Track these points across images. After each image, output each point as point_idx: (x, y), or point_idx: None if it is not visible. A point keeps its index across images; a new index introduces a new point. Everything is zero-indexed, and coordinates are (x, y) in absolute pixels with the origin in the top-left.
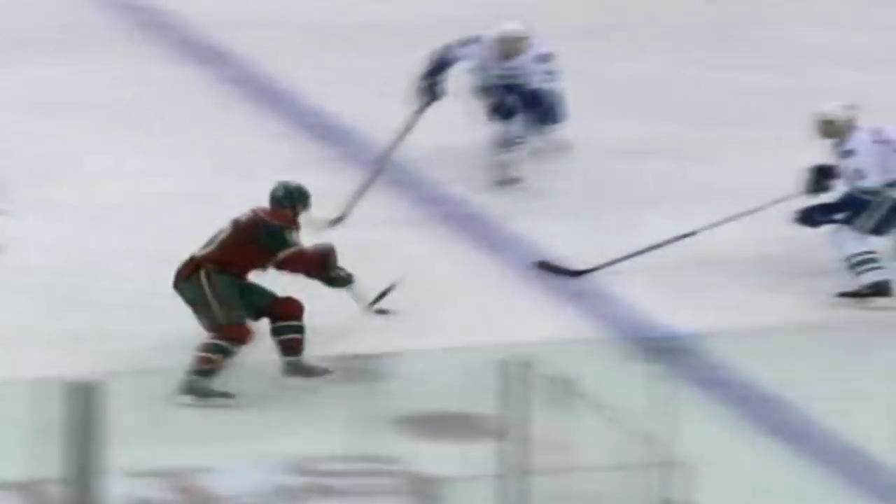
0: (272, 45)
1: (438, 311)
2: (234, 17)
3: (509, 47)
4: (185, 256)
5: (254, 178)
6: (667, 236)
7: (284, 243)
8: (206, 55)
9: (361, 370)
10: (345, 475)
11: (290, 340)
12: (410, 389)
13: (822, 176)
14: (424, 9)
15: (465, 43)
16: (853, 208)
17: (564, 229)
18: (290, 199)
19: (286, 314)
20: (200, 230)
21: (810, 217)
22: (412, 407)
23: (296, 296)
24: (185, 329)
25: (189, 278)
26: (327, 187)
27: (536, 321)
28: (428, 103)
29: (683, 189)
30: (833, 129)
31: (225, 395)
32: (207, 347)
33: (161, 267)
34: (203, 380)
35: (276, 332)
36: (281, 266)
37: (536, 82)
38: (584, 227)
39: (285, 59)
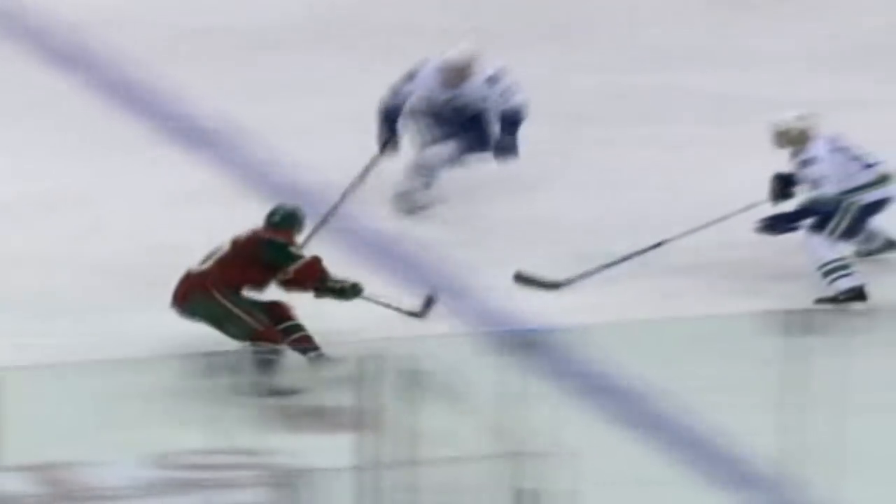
0: (143, 48)
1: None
2: (103, 19)
3: (454, 74)
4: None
5: (121, 178)
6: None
7: (291, 256)
8: (75, 58)
9: (222, 366)
10: (207, 468)
11: (301, 338)
12: (270, 384)
13: (784, 184)
14: (284, 10)
15: (409, 77)
16: (816, 216)
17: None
18: (288, 222)
19: (283, 316)
20: (69, 233)
21: (773, 225)
22: (273, 401)
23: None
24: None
25: (201, 299)
26: (200, 186)
27: (391, 316)
28: (384, 154)
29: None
30: (789, 139)
31: (293, 390)
32: (262, 352)
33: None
34: (271, 380)
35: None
36: (291, 282)
37: (491, 106)
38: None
39: (155, 62)
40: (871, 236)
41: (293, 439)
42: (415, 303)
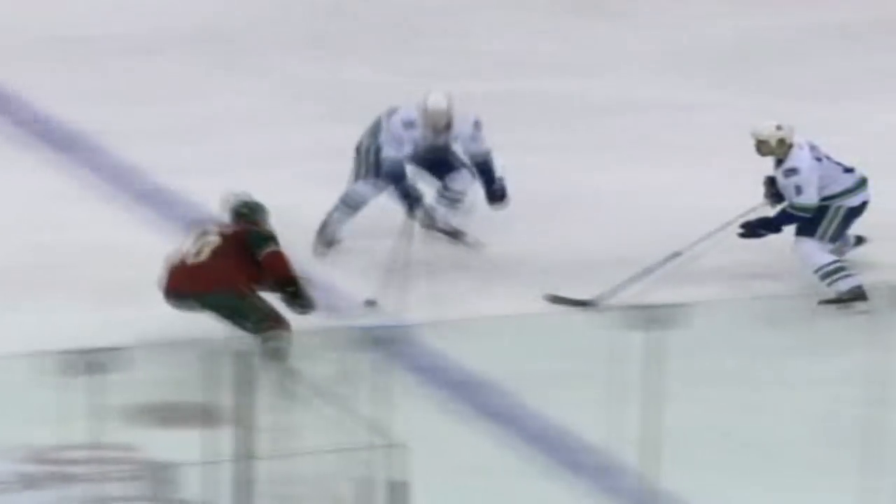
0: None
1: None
2: None
3: (441, 120)
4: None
5: None
6: None
7: (266, 241)
8: None
9: (91, 363)
10: (83, 463)
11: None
12: (144, 380)
13: (776, 186)
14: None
15: (376, 130)
16: (798, 221)
17: None
18: (255, 213)
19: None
20: None
21: (755, 230)
22: (146, 397)
23: None
24: None
25: (212, 292)
26: (63, 188)
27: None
28: (418, 218)
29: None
30: (768, 148)
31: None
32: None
33: None
34: (285, 363)
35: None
36: (262, 272)
37: (472, 150)
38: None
39: (15, 65)
40: (844, 239)
41: (165, 434)
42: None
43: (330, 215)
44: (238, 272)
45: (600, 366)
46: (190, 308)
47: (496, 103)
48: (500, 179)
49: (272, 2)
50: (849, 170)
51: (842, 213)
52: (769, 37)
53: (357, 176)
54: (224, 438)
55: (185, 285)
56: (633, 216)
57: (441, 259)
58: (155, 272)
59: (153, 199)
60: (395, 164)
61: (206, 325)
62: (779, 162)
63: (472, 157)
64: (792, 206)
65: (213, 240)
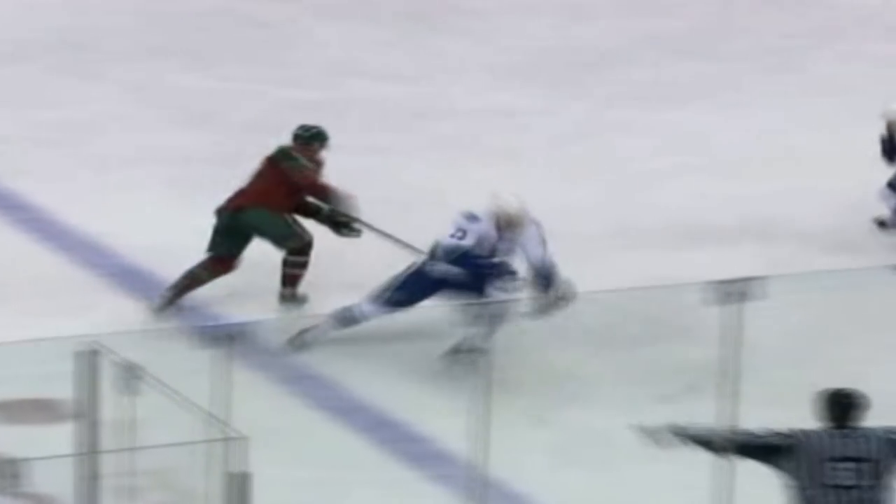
0: None
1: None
2: None
3: (512, 223)
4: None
5: None
6: None
7: (292, 158)
8: None
9: None
10: None
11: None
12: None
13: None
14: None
15: (468, 219)
16: None
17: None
18: (317, 138)
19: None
20: None
21: None
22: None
23: None
24: None
25: (247, 210)
26: None
27: (106, 311)
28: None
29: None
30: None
31: (304, 298)
32: (297, 265)
33: None
34: (295, 289)
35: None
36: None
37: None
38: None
39: None
40: None
41: (11, 429)
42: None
43: (320, 327)
44: (273, 191)
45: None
46: (236, 234)
47: (327, 109)
48: (565, 282)
49: (118, 12)
50: None
51: None
52: (593, 45)
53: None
54: (69, 433)
55: (229, 205)
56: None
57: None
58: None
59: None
60: (453, 248)
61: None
62: None
63: (536, 265)
64: None
65: (259, 166)
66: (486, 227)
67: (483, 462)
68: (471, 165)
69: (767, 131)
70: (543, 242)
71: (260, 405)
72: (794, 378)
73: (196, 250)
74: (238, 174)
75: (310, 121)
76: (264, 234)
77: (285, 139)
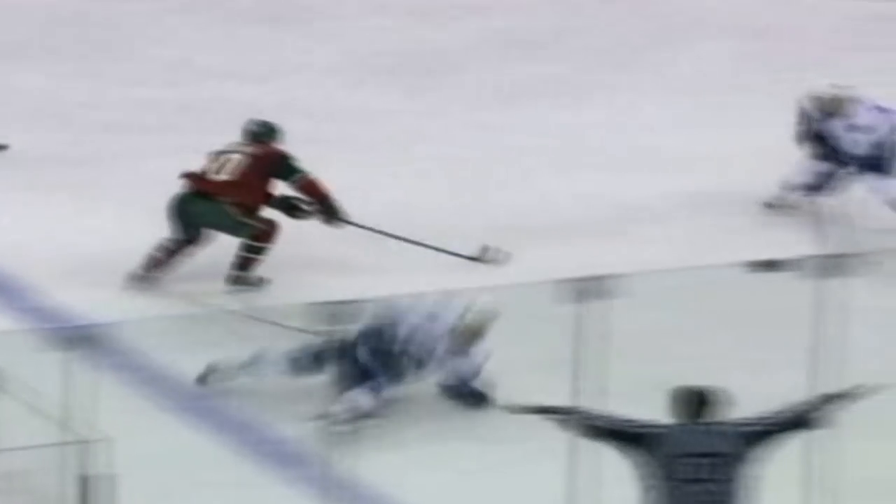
0: None
1: None
2: None
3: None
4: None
5: None
6: None
7: (298, 171)
8: None
9: None
10: None
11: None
12: None
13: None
14: None
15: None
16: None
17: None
18: (271, 134)
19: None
20: None
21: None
22: None
23: None
24: None
25: (213, 204)
26: None
27: None
28: None
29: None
30: (825, 105)
31: (262, 279)
32: (254, 250)
33: None
34: (251, 275)
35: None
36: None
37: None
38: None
39: None
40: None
41: None
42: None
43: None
44: (258, 191)
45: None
46: (192, 216)
47: (176, 109)
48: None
49: None
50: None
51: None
52: (444, 45)
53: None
54: None
55: (208, 189)
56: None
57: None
58: None
59: None
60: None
61: None
62: (831, 114)
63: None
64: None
65: (238, 158)
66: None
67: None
68: (320, 165)
69: (620, 130)
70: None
71: (117, 407)
72: (651, 374)
73: (51, 251)
74: (92, 175)
75: (158, 119)
76: (217, 228)
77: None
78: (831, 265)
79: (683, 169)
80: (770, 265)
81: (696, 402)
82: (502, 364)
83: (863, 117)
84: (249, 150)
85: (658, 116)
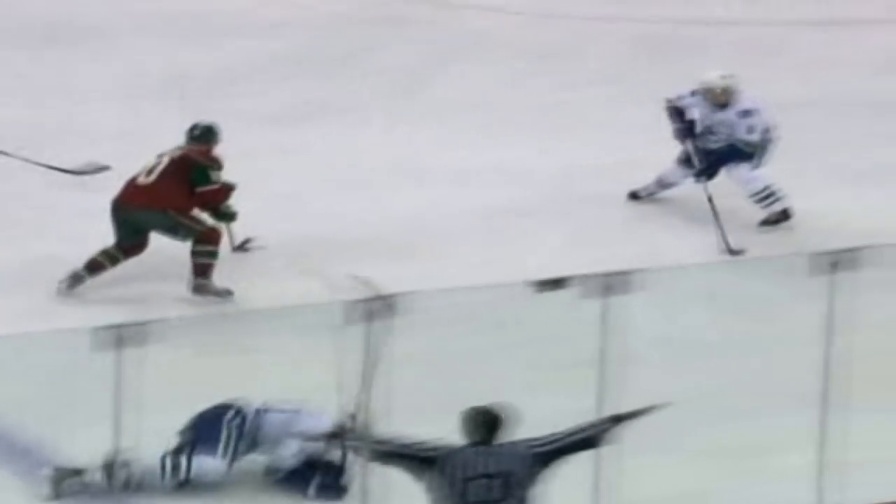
0: None
1: None
2: None
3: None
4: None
5: None
6: None
7: (208, 179)
8: None
9: None
10: None
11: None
12: None
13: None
14: None
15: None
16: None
17: None
18: (207, 137)
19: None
20: None
21: (713, 168)
22: None
23: None
24: None
25: (148, 210)
26: None
27: None
28: None
29: None
30: (714, 95)
31: (227, 291)
32: (203, 254)
33: None
34: (208, 281)
35: (194, 254)
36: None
37: None
38: None
39: None
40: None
41: None
42: None
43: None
44: (177, 194)
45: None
46: (131, 222)
47: None
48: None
49: None
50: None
51: (768, 146)
52: (223, 65)
53: None
54: None
55: (131, 200)
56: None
57: None
58: None
59: None
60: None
61: None
62: (721, 106)
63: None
64: (743, 143)
65: (164, 160)
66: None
67: None
68: (99, 189)
69: (395, 149)
70: None
71: None
72: (440, 394)
73: None
74: None
75: None
76: (159, 231)
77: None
78: (614, 283)
79: (469, 186)
80: (556, 283)
81: (486, 422)
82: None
83: (750, 102)
84: (178, 153)
85: (442, 136)
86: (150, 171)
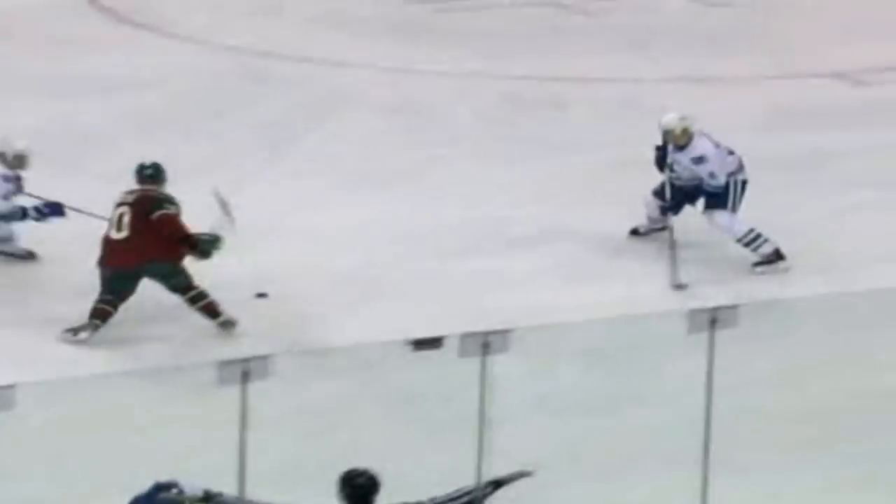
0: None
1: None
2: None
3: None
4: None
5: None
6: None
7: (160, 204)
8: None
9: None
10: None
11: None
12: None
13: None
14: None
15: None
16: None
17: None
18: (159, 175)
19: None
20: None
21: (678, 206)
22: None
23: None
24: None
25: (150, 262)
26: None
27: None
28: None
29: None
30: (674, 137)
31: (232, 321)
32: (199, 297)
33: None
34: (223, 313)
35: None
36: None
37: None
38: None
39: None
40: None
41: None
42: None
43: None
44: (157, 239)
45: None
46: (134, 280)
47: None
48: None
49: None
50: (732, 153)
51: (739, 187)
52: (85, 122)
53: None
54: None
55: (124, 261)
56: None
57: None
58: None
59: None
60: None
61: None
62: (681, 148)
63: None
64: (711, 186)
65: (124, 210)
66: None
67: None
68: None
69: (267, 209)
70: None
71: None
72: (316, 457)
73: None
74: None
75: None
76: (168, 286)
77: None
78: (493, 341)
79: (333, 244)
80: (433, 342)
81: (363, 486)
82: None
83: (700, 149)
84: (131, 198)
85: (304, 193)
86: (119, 226)
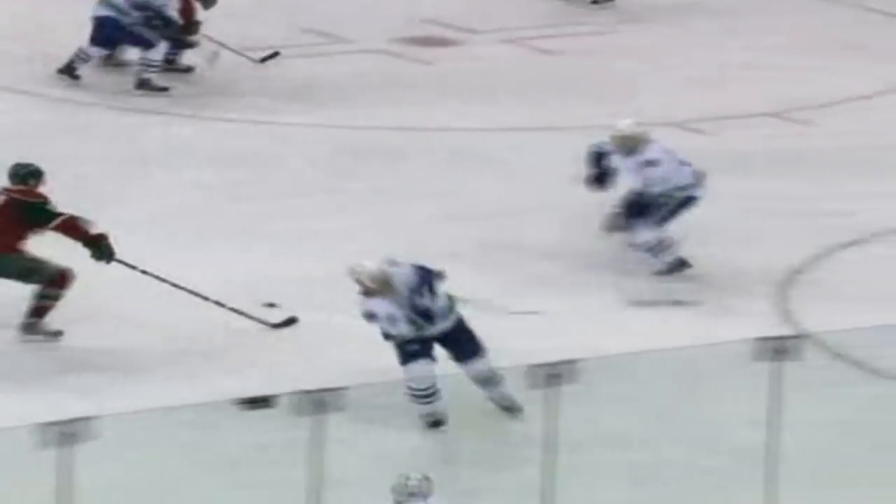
0: None
1: None
2: None
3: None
4: None
5: None
6: None
7: (51, 215)
8: None
9: None
10: None
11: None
12: None
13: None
14: None
15: None
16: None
17: None
18: (35, 177)
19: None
20: None
21: (619, 222)
22: None
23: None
24: None
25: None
26: None
27: None
28: None
29: None
30: (625, 142)
31: (58, 332)
32: (49, 297)
33: None
34: (41, 321)
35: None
36: (60, 230)
37: None
38: None
39: None
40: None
41: None
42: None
43: None
44: (13, 236)
45: None
46: None
47: None
48: None
49: None
50: (686, 164)
51: (673, 202)
52: None
53: None
54: None
55: None
56: None
57: None
58: None
59: None
60: None
61: None
62: (629, 151)
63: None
64: (643, 195)
65: None
66: None
67: None
68: None
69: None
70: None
71: None
72: None
73: None
74: None
75: None
76: (8, 276)
77: None
78: (327, 399)
79: (162, 301)
80: (262, 402)
81: None
82: None
83: (656, 152)
84: (1, 197)
85: (135, 247)
86: None
